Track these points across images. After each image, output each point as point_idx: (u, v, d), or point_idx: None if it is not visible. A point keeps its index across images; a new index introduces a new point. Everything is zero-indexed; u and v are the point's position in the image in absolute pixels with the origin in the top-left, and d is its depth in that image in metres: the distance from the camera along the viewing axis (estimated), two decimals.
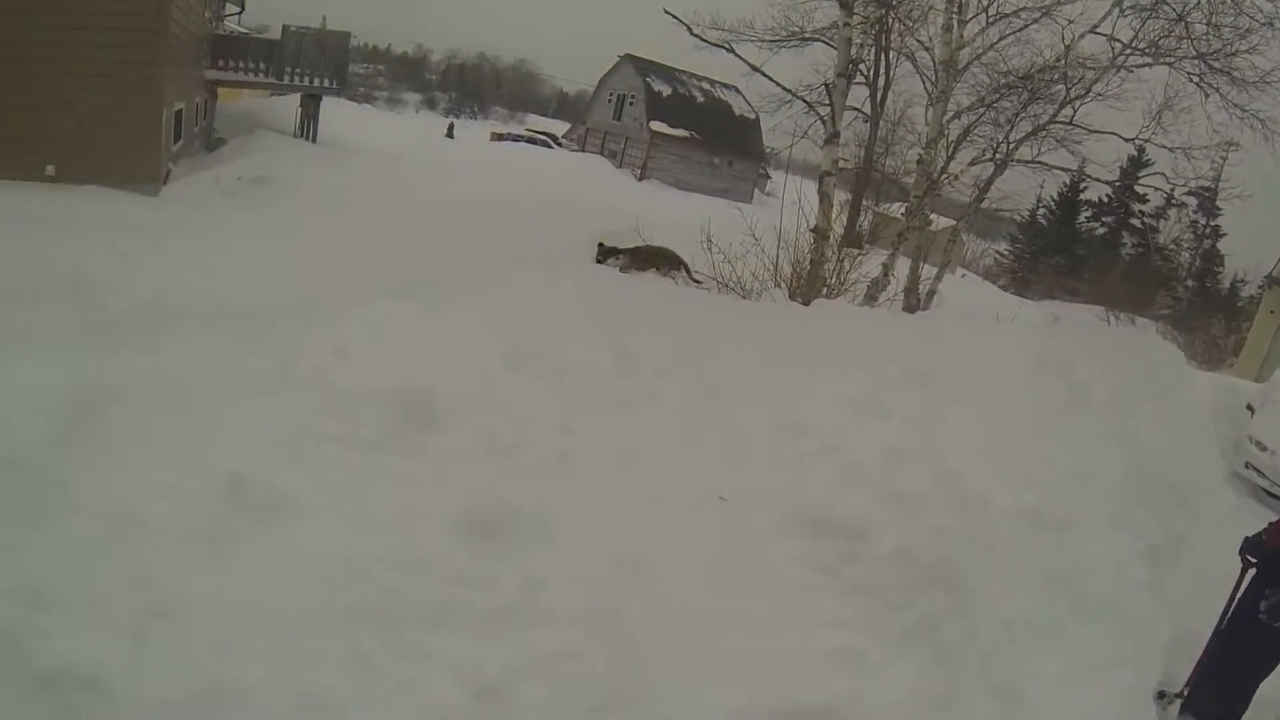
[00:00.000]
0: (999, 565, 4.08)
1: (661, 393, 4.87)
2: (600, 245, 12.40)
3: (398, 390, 4.06)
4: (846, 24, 10.95)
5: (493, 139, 45.85)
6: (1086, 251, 47.01)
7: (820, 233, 10.31)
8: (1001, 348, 5.91)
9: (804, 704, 3.22)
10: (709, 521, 3.96)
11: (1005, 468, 4.57)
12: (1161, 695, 4.39)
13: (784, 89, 15.73)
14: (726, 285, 10.18)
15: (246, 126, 21.55)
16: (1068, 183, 40.41)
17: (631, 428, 4.47)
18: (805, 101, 15.82)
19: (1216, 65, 13.67)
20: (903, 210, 14.46)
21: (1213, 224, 46.34)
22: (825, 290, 10.00)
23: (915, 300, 15.27)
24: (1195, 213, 45.13)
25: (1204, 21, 13.29)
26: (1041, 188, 38.35)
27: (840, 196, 13.58)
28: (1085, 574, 4.27)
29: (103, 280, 4.34)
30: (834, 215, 11.14)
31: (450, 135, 44.34)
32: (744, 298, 9.73)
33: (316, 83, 22.60)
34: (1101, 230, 49.38)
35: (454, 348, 4.61)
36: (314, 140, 22.76)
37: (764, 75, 14.08)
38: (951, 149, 16.38)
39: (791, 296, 9.84)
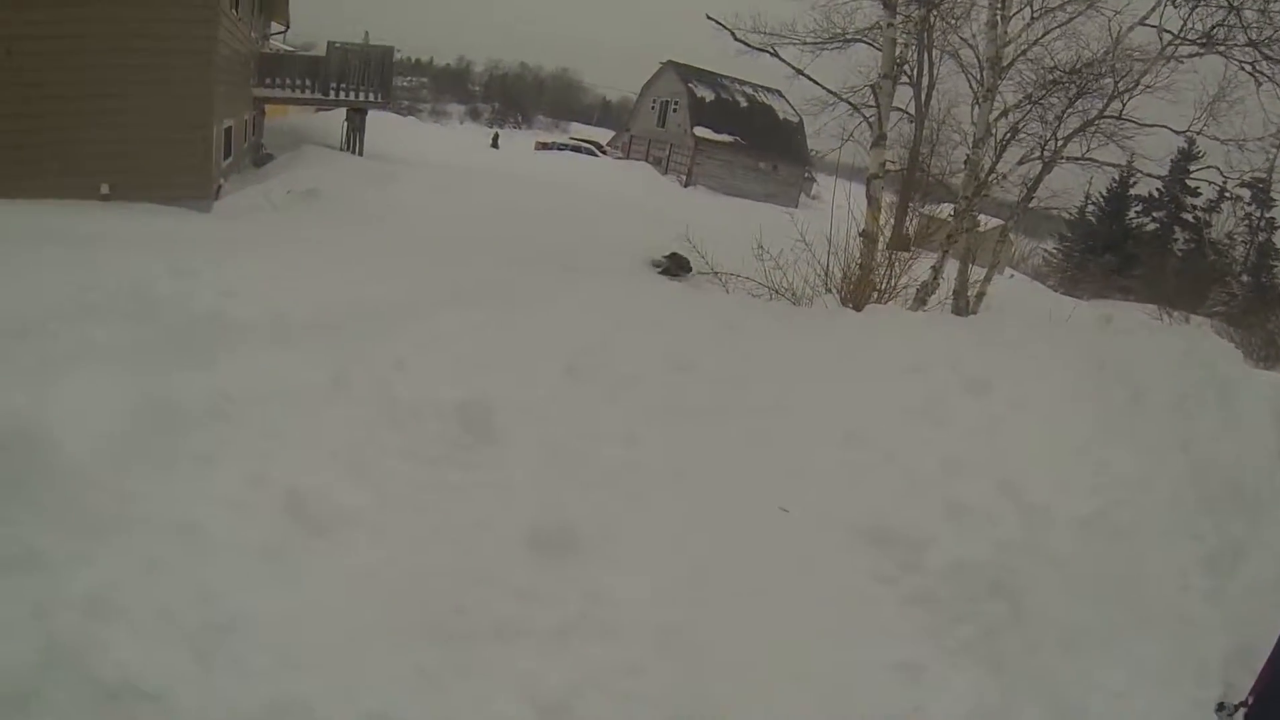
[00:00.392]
0: (1060, 575, 4.01)
1: (721, 403, 4.85)
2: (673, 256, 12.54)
3: (459, 402, 4.04)
4: (890, 24, 10.83)
5: (537, 148, 45.93)
6: (1137, 248, 46.08)
7: (869, 236, 10.22)
8: (1059, 351, 5.84)
9: (870, 717, 3.18)
10: (771, 534, 3.93)
11: (1067, 475, 4.49)
12: (1221, 707, 4.29)
13: (828, 91, 15.68)
14: (778, 292, 10.13)
15: (293, 142, 21.83)
16: (1117, 179, 39.85)
17: (692, 439, 4.44)
18: (850, 104, 15.75)
19: (1270, 53, 13.37)
20: (950, 212, 14.28)
21: (1268, 216, 45.31)
22: (876, 295, 9.88)
23: (965, 303, 15.05)
24: (1249, 205, 44.19)
25: (1257, 8, 13.01)
26: (1090, 184, 37.76)
27: (887, 199, 13.45)
28: (1146, 583, 4.20)
29: (162, 295, 4.39)
30: (882, 218, 11.05)
31: (495, 145, 44.61)
32: (795, 304, 9.67)
33: (361, 97, 22.86)
34: (1153, 226, 48.43)
35: (513, 359, 4.62)
36: (360, 153, 22.99)
37: (807, 78, 14.02)
38: (999, 148, 16.17)
39: (843, 302, 9.76)
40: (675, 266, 12.37)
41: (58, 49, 11.93)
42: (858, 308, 8.90)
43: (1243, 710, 4.28)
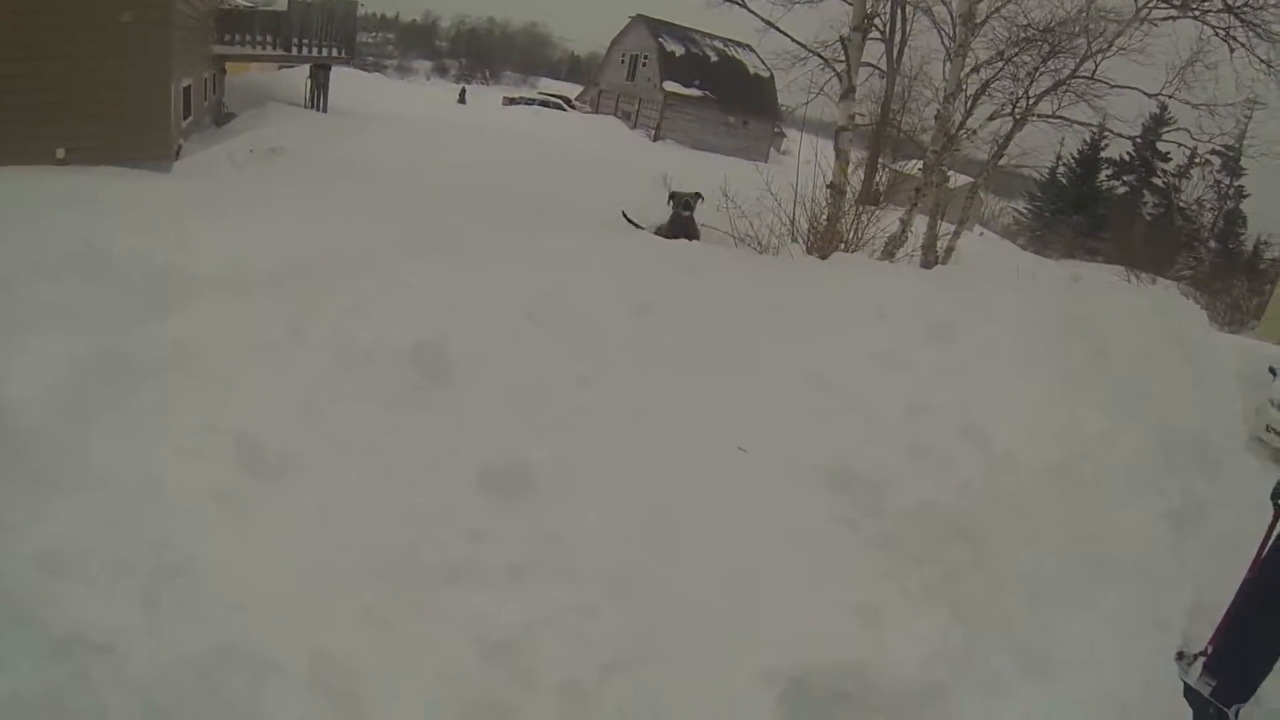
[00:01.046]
0: (1023, 523, 4.04)
1: (681, 344, 4.82)
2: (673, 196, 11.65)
3: (414, 345, 3.98)
4: None
5: (505, 104, 45.74)
6: (1107, 211, 46.68)
7: (837, 188, 10.22)
8: (1026, 305, 5.83)
9: (827, 660, 3.20)
10: (730, 476, 3.91)
11: (1032, 425, 4.50)
12: (1180, 656, 4.38)
13: (799, 44, 15.63)
14: (743, 240, 10.11)
15: (256, 100, 21.56)
16: (1088, 140, 40.09)
17: (651, 381, 4.42)
18: (821, 57, 15.77)
19: (1247, 18, 13.42)
20: (920, 167, 14.31)
21: (1236, 184, 45.82)
22: (842, 246, 9.90)
23: (933, 257, 15.17)
24: (1219, 172, 44.64)
25: None
26: (1061, 145, 38.03)
27: (857, 154, 13.45)
28: (1109, 535, 4.25)
29: (117, 253, 4.30)
30: (850, 171, 11.04)
31: (462, 101, 44.40)
32: (761, 253, 9.66)
33: (325, 53, 22.62)
34: (1123, 189, 49.03)
35: (472, 305, 4.53)
36: (324, 110, 22.80)
37: (779, 31, 13.99)
38: (969, 104, 16.21)
39: (809, 251, 9.77)
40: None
41: (7, 8, 11.63)
42: (823, 257, 8.91)
43: (1201, 660, 4.40)
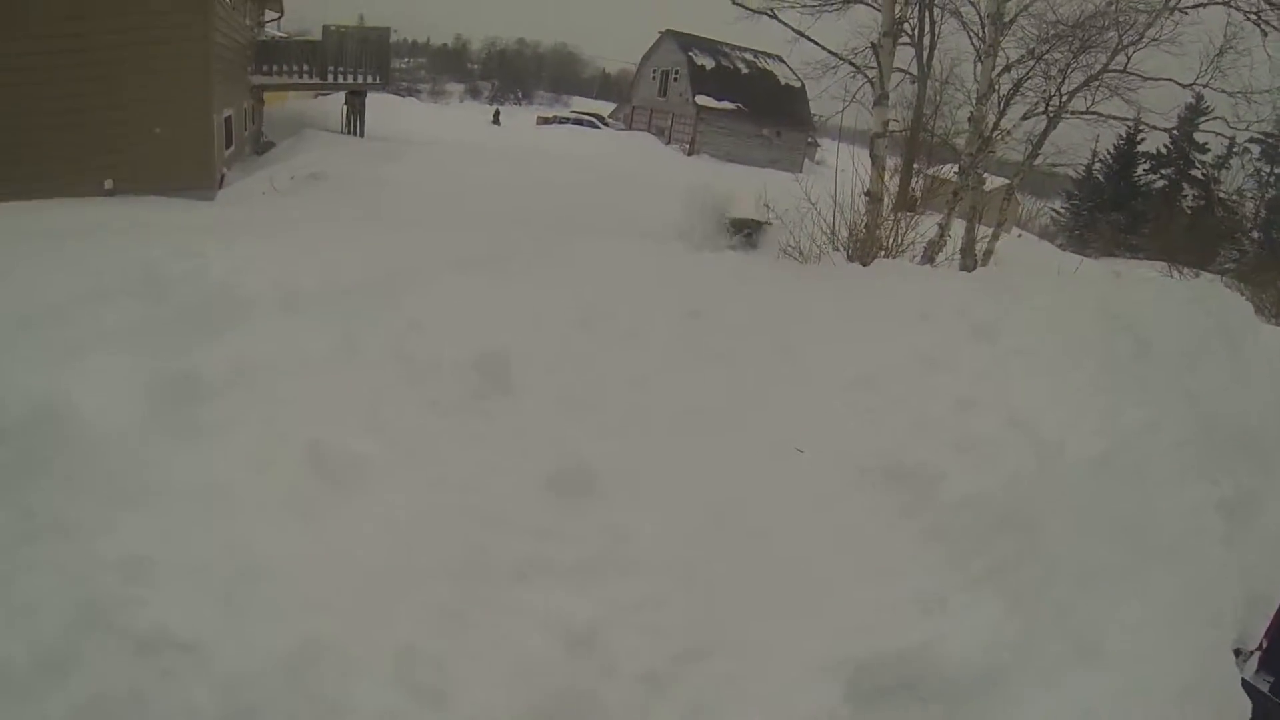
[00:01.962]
0: (1072, 510, 4.00)
1: (731, 348, 4.93)
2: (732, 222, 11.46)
3: (474, 356, 4.14)
4: None
5: (539, 123, 46.00)
6: (1145, 206, 45.93)
7: (874, 196, 10.24)
8: (1065, 301, 5.84)
9: (890, 648, 3.22)
10: (784, 474, 4.00)
11: (1075, 416, 4.49)
12: (1238, 653, 4.32)
13: (830, 52, 15.64)
14: (784, 251, 10.17)
15: (294, 128, 21.94)
16: (1124, 135, 39.62)
17: (704, 383, 4.53)
18: (852, 64, 15.74)
19: (1277, 1, 13.26)
20: (955, 171, 14.27)
21: (1278, 171, 45.00)
22: (882, 253, 9.92)
23: (972, 260, 15.08)
24: (1259, 160, 43.89)
25: None
26: (1097, 141, 37.54)
27: (892, 160, 13.44)
28: (1160, 524, 4.14)
29: (172, 277, 4.46)
30: (887, 178, 11.05)
31: (496, 122, 44.66)
32: (803, 263, 9.72)
33: (360, 79, 22.92)
34: (1161, 183, 48.21)
35: (526, 315, 4.72)
36: (361, 135, 23.10)
37: (809, 39, 13.98)
38: (1002, 105, 16.11)
39: (850, 259, 9.80)
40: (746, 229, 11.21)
41: (54, 49, 12.00)
42: (865, 264, 8.94)
43: (1257, 654, 4.34)
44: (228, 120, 15.87)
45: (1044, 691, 3.41)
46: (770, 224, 11.08)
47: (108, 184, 12.45)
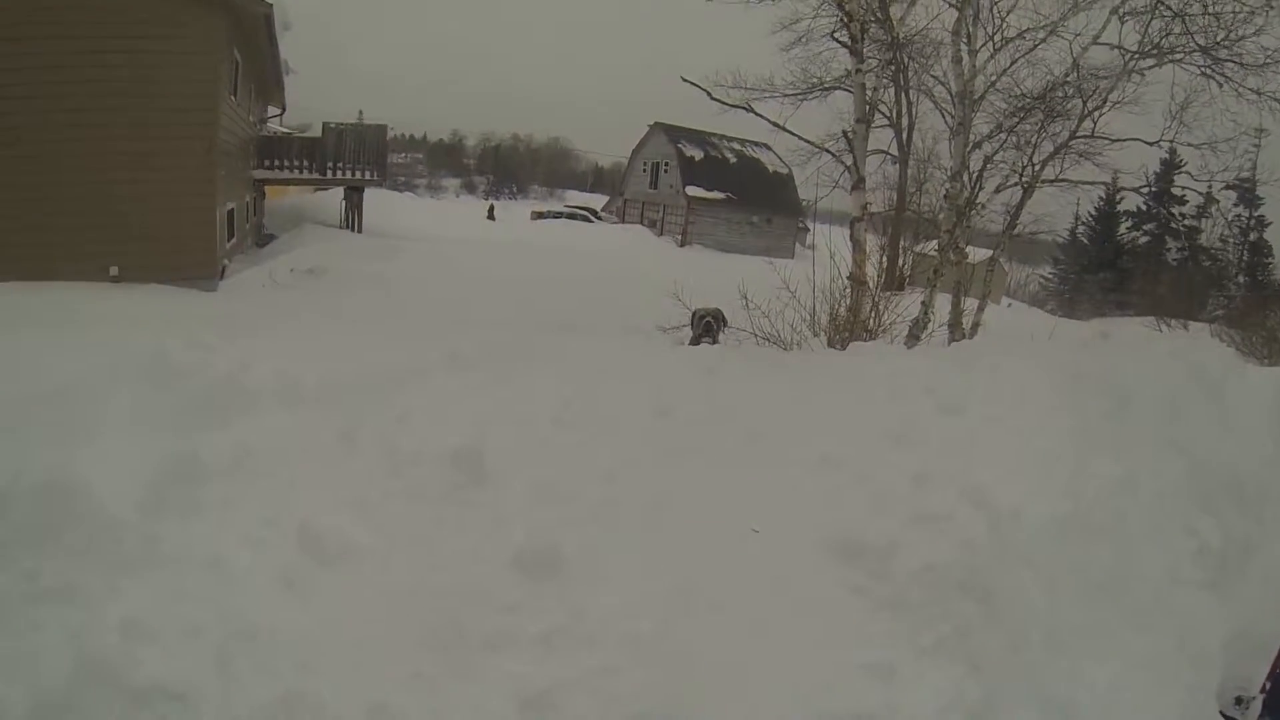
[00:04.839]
0: (1035, 574, 4.15)
1: (698, 441, 5.16)
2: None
3: (454, 449, 4.48)
4: (859, 70, 11.27)
5: (533, 218, 46.70)
6: (1131, 263, 46.35)
7: (856, 279, 10.49)
8: (1037, 367, 5.98)
9: (843, 714, 3.39)
10: (744, 554, 4.21)
11: (1038, 480, 4.64)
12: (1239, 701, 4.37)
13: (807, 142, 16.09)
14: (767, 339, 10.43)
15: (294, 221, 22.42)
16: (1104, 197, 40.25)
17: (670, 475, 4.76)
18: (830, 153, 16.16)
19: (1222, 55, 13.74)
20: (936, 247, 14.62)
21: (1256, 214, 45.47)
22: (865, 335, 10.15)
23: (960, 334, 15.32)
24: (1236, 205, 44.41)
25: (1202, 14, 13.42)
26: (1078, 205, 38.12)
27: (878, 241, 13.75)
28: (1134, 579, 4.31)
29: (180, 365, 4.79)
30: (877, 259, 11.29)
31: (491, 217, 45.29)
32: (785, 350, 9.93)
33: (358, 175, 23.45)
34: (1144, 239, 48.74)
35: (505, 412, 5.04)
36: (359, 230, 23.58)
37: (786, 131, 14.40)
38: (974, 178, 16.51)
39: (830, 344, 10.05)
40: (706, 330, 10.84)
41: (65, 137, 12.53)
42: (844, 348, 9.16)
43: (1260, 697, 4.38)
44: (230, 213, 16.33)
45: None
46: (725, 322, 11.15)
47: (113, 270, 12.83)
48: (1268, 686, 4.28)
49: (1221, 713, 4.11)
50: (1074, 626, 4.00)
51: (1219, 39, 13.59)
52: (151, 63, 12.97)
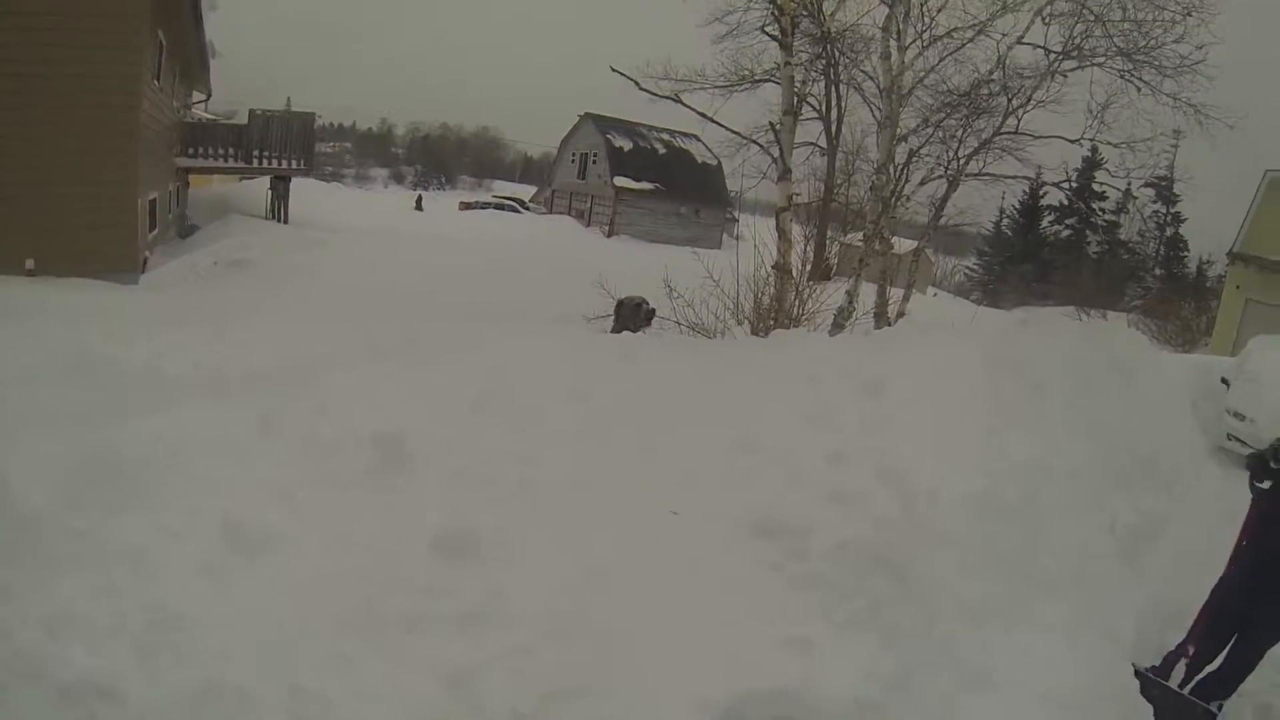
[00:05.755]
0: (949, 550, 4.29)
1: (617, 425, 5.27)
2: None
3: (375, 437, 4.52)
4: (788, 63, 11.37)
5: (461, 208, 46.27)
6: (1054, 255, 47.68)
7: (781, 268, 10.64)
8: (955, 353, 6.20)
9: (760, 688, 3.47)
10: (663, 535, 4.31)
11: (953, 461, 4.82)
12: (1165, 661, 4.53)
13: (735, 133, 16.21)
14: (691, 328, 10.55)
15: (218, 212, 21.98)
16: (1028, 191, 41.34)
17: (588, 458, 4.86)
18: (757, 144, 16.29)
19: (1141, 59, 14.21)
20: (861, 237, 14.86)
21: (1173, 211, 47.15)
22: (789, 323, 10.30)
23: (885, 323, 15.57)
24: (1154, 202, 46.00)
25: (1123, 20, 13.87)
26: (1003, 198, 39.03)
27: (804, 231, 13.94)
28: (1047, 554, 4.45)
29: (100, 359, 4.79)
30: (801, 249, 11.44)
31: (419, 208, 44.71)
32: (709, 338, 10.04)
33: (285, 164, 23.03)
34: (1066, 233, 50.13)
35: (425, 399, 5.12)
36: (285, 221, 23.20)
37: (715, 122, 14.49)
38: (900, 171, 16.83)
39: (753, 332, 10.20)
40: (630, 319, 11.30)
41: None
42: (767, 335, 9.31)
43: (1184, 661, 4.56)
44: (153, 203, 15.86)
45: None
46: (651, 311, 11.41)
47: (29, 264, 12.42)
48: (1190, 652, 4.49)
49: (1136, 670, 4.27)
50: (987, 598, 4.12)
51: (1140, 45, 14.06)
52: (68, 42, 12.38)
